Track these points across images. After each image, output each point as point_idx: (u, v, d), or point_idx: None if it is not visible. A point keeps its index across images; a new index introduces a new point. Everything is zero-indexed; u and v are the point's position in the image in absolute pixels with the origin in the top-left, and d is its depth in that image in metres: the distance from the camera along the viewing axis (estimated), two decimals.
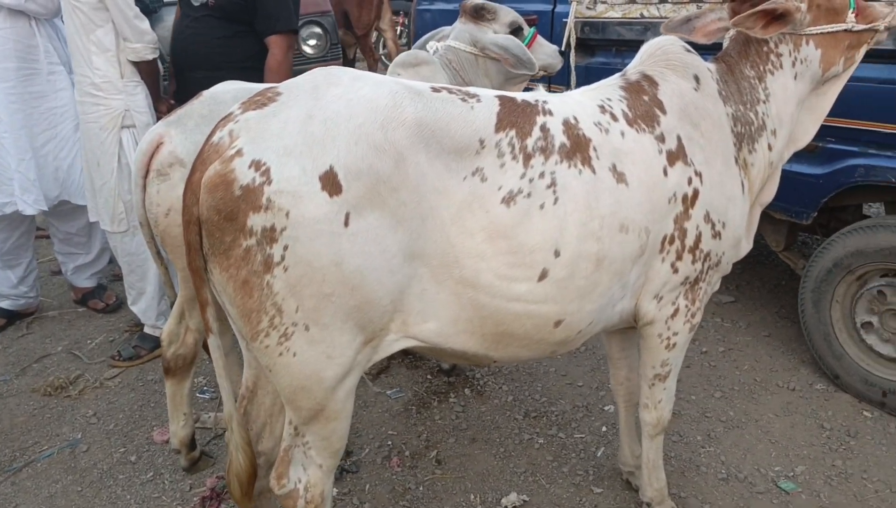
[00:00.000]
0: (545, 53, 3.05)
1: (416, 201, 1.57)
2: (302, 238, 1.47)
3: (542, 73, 3.10)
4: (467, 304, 1.68)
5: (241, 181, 1.45)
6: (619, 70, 2.11)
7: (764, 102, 2.04)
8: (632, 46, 3.35)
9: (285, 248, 1.47)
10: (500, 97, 1.77)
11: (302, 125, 1.50)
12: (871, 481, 2.51)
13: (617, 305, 1.91)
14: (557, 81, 3.71)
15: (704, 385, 3.11)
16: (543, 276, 1.71)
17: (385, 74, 2.78)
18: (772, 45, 2.02)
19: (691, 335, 2.09)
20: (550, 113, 1.78)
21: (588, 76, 3.57)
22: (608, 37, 3.46)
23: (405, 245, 1.57)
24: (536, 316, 1.75)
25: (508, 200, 1.66)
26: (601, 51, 3.58)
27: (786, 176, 2.59)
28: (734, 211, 1.99)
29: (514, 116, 1.73)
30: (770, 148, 2.07)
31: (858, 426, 2.79)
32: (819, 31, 2.01)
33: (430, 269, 1.63)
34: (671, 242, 1.90)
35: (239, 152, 1.47)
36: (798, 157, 2.84)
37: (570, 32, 3.52)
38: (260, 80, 2.98)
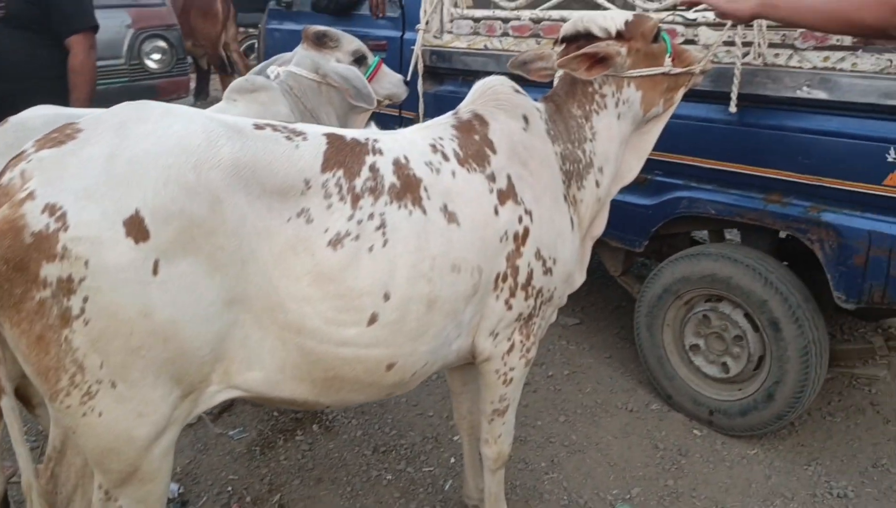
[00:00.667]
0: (390, 83, 3.04)
1: (236, 245, 1.49)
2: (104, 289, 1.36)
3: (386, 102, 3.08)
4: (294, 350, 1.62)
5: (33, 228, 1.32)
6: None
7: (590, 141, 2.11)
8: (478, 76, 3.40)
9: (85, 299, 1.36)
10: (329, 135, 1.72)
11: (104, 165, 1.39)
12: (700, 499, 2.64)
13: (453, 344, 1.90)
14: (409, 107, 3.71)
15: (550, 410, 3.18)
16: (373, 320, 1.67)
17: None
18: (596, 86, 2.10)
19: (527, 369, 2.11)
20: (381, 152, 1.76)
21: (437, 104, 3.59)
22: (454, 66, 3.49)
23: (224, 291, 1.49)
24: (367, 360, 1.71)
25: (335, 242, 1.61)
26: (449, 79, 3.61)
27: (619, 206, 2.71)
28: (564, 247, 2.05)
29: (342, 156, 1.69)
30: (598, 184, 2.14)
31: (689, 444, 2.95)
32: (639, 74, 2.11)
33: (253, 314, 1.56)
34: (504, 279, 1.91)
35: (31, 195, 1.34)
36: (630, 188, 3.00)
37: (418, 60, 3.53)
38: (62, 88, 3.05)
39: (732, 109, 2.58)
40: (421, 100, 3.57)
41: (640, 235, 3.05)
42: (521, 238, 1.91)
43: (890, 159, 2.30)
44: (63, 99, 2.99)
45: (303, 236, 1.58)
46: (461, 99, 2.16)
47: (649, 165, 2.84)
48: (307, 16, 4.39)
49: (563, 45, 2.15)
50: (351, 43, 2.86)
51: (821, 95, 2.38)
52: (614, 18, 2.09)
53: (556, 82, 2.21)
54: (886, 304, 2.46)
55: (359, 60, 2.89)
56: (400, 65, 3.80)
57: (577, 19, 2.13)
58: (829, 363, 2.80)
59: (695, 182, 2.85)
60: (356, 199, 1.66)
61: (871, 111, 2.32)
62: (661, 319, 3.11)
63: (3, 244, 1.33)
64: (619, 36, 2.06)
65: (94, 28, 3.20)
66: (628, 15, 2.14)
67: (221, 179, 1.47)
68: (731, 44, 2.54)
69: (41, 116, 2.31)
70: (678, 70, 2.17)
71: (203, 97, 9.01)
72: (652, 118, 2.23)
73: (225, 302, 1.50)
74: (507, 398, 2.11)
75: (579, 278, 2.23)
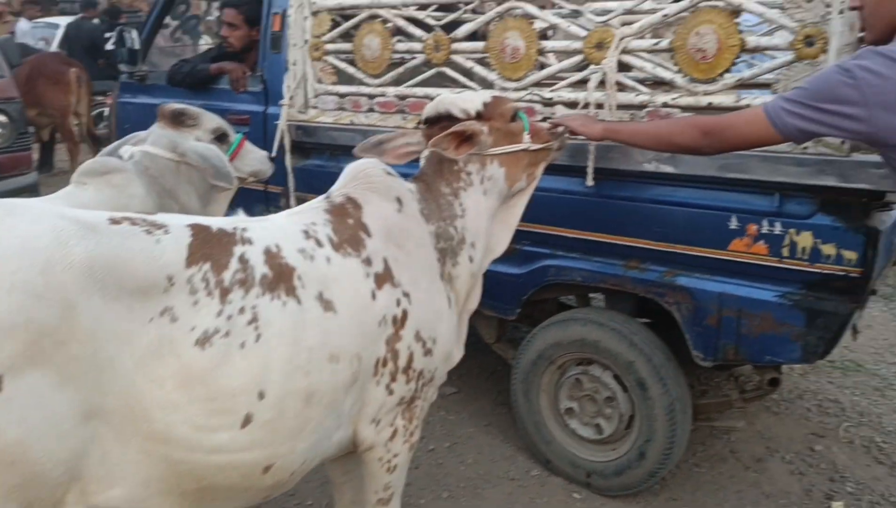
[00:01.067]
0: (255, 159, 2.98)
1: (91, 353, 1.40)
2: None
3: (251, 179, 3.00)
4: (160, 461, 1.52)
5: None
6: (336, 172, 2.13)
7: (461, 217, 2.15)
8: (346, 150, 3.40)
9: None
10: (193, 226, 1.66)
11: None
12: None
13: (333, 436, 1.84)
14: (275, 182, 3.63)
15: (432, 487, 3.12)
16: (247, 421, 1.59)
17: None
18: (461, 164, 2.15)
19: (411, 453, 2.07)
20: (250, 242, 1.70)
21: (304, 178, 3.54)
22: (321, 140, 3.47)
23: (79, 404, 1.40)
24: (242, 465, 1.62)
25: (203, 341, 1.53)
26: (315, 153, 3.58)
27: (491, 276, 2.75)
28: (442, 326, 2.04)
29: (209, 248, 1.62)
30: (471, 260, 2.17)
31: None
32: (501, 152, 2.19)
33: (113, 427, 1.46)
34: (384, 364, 1.88)
35: None
36: (500, 258, 3.07)
37: (284, 135, 3.48)
38: None
39: (589, 182, 2.71)
40: (290, 174, 3.50)
41: (512, 303, 3.11)
42: (400, 321, 1.90)
43: (732, 227, 2.49)
44: None
45: (167, 337, 1.50)
46: (328, 172, 2.16)
47: (518, 236, 2.92)
48: (162, 89, 4.22)
49: (426, 127, 2.19)
50: (211, 121, 2.78)
51: (668, 168, 2.56)
52: (473, 99, 2.17)
53: (422, 163, 2.24)
54: (739, 361, 2.63)
55: (220, 138, 2.81)
56: (264, 139, 3.72)
57: (438, 101, 2.19)
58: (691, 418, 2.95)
59: (561, 251, 2.95)
60: (225, 293, 1.59)
61: (713, 183, 2.52)
62: (537, 384, 3.16)
63: None
64: (479, 116, 2.14)
65: None
66: (486, 95, 2.24)
67: (74, 282, 1.38)
68: None
69: None
70: (537, 146, 2.27)
71: (47, 169, 8.45)
72: (517, 192, 2.30)
73: (80, 416, 1.40)
74: (391, 486, 2.07)
75: (458, 354, 2.24)
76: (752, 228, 2.46)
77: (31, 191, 5.17)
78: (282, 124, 3.47)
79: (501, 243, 2.34)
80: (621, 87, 2.62)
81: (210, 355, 1.53)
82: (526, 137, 2.24)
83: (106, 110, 9.49)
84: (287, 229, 1.82)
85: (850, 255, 2.31)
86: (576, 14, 2.78)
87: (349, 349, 1.76)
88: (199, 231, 1.64)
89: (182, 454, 1.53)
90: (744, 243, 2.48)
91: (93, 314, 1.40)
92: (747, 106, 2.32)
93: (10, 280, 1.32)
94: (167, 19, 4.72)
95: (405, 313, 1.90)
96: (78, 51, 9.64)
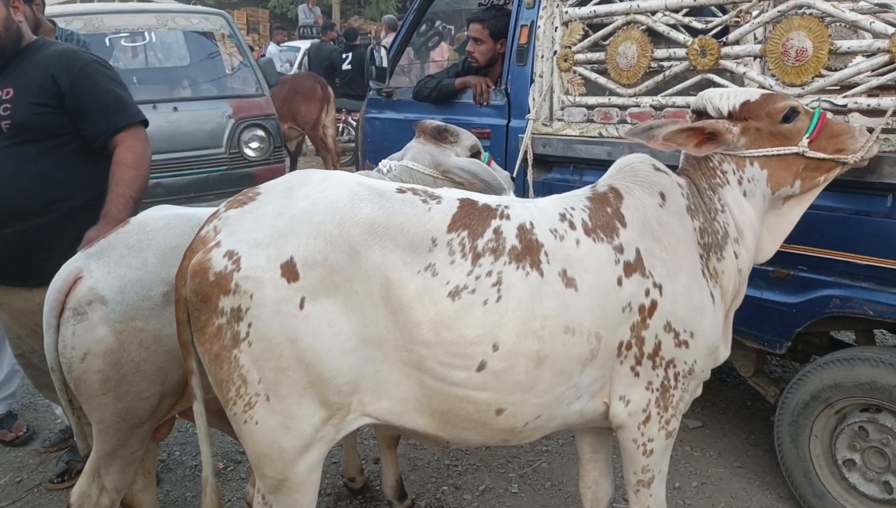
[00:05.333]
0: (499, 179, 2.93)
1: (368, 291, 1.71)
2: (263, 317, 1.66)
3: None
4: (415, 384, 1.79)
5: (216, 268, 1.67)
6: (578, 186, 2.18)
7: (722, 212, 2.10)
8: (591, 164, 3.27)
9: (249, 325, 1.66)
10: (462, 200, 1.88)
11: (272, 221, 1.70)
12: None
13: (573, 404, 1.95)
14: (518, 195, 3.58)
15: None
16: (482, 367, 1.79)
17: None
18: (715, 162, 2.11)
19: (670, 441, 2.10)
20: (507, 217, 1.88)
21: (545, 192, 3.44)
22: (565, 154, 3.35)
23: (359, 330, 1.72)
24: (476, 402, 1.83)
25: (454, 294, 1.76)
26: (557, 167, 3.47)
27: (758, 304, 2.47)
28: (704, 321, 2.02)
29: (469, 219, 1.84)
30: (737, 255, 2.11)
31: None
32: (762, 154, 2.07)
33: (382, 352, 1.76)
34: (628, 348, 1.94)
35: (218, 244, 1.69)
36: (770, 285, 2.76)
37: (527, 149, 3.41)
38: (98, 214, 2.42)
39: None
40: (531, 189, 3.43)
41: (781, 335, 2.78)
42: (648, 310, 1.93)
43: None
44: None
45: (428, 288, 1.75)
46: (570, 186, 2.17)
47: (793, 260, 2.61)
48: (407, 105, 4.37)
49: (695, 118, 2.20)
50: (469, 138, 2.79)
51: None
52: (728, 97, 2.10)
53: (682, 157, 2.22)
54: None
55: (475, 155, 2.81)
56: (505, 153, 3.71)
57: (701, 95, 2.19)
58: None
59: (847, 279, 2.57)
60: (476, 257, 1.80)
61: None
62: (808, 429, 2.78)
63: (196, 281, 1.68)
64: (731, 115, 2.07)
65: (145, 122, 2.64)
66: (751, 94, 2.10)
67: (359, 235, 1.71)
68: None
69: (163, 216, 2.27)
70: (816, 155, 2.07)
71: None
72: (787, 198, 2.16)
73: (360, 340, 1.72)
74: (650, 469, 2.10)
75: (724, 352, 2.20)
76: None
77: None
78: (526, 138, 3.40)
79: (766, 251, 2.23)
80: None
81: (458, 306, 1.75)
82: (804, 140, 2.06)
83: (341, 126, 10.24)
84: (546, 211, 1.96)
85: None
86: (883, 7, 2.40)
87: (587, 326, 1.86)
88: (466, 204, 1.86)
89: (430, 380, 1.78)
90: None
91: (371, 261, 1.71)
92: None
93: (316, 229, 1.69)
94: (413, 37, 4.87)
95: (654, 304, 1.93)
96: (318, 71, 10.48)
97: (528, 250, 1.84)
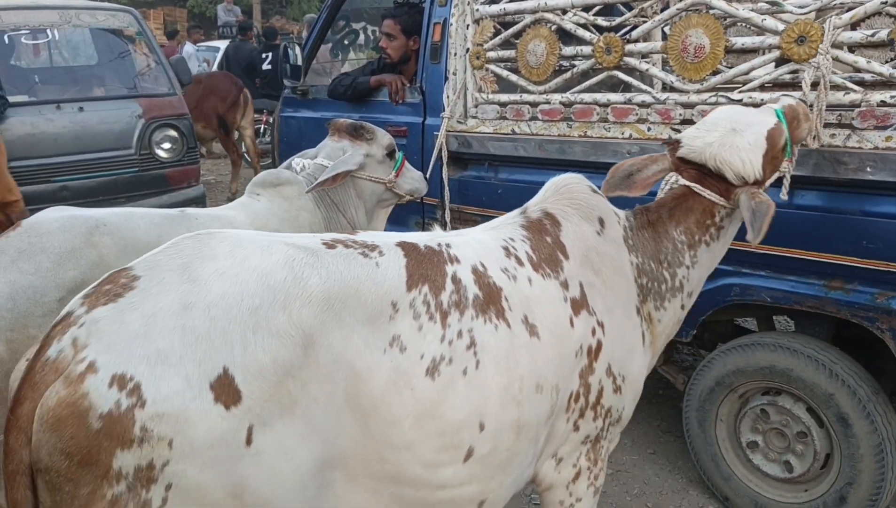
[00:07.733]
0: (413, 179, 2.99)
1: (329, 394, 1.29)
2: (190, 472, 1.16)
3: (407, 198, 2.97)
4: (387, 500, 1.44)
5: (100, 408, 1.11)
6: (494, 183, 1.95)
7: (688, 268, 1.92)
8: (505, 161, 3.29)
9: (168, 488, 1.16)
10: (402, 245, 1.55)
11: (177, 319, 1.19)
12: None
13: (525, 471, 1.71)
14: (432, 194, 3.58)
15: None
16: (469, 455, 1.49)
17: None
18: (717, 219, 1.90)
19: (596, 499, 1.88)
20: (458, 260, 1.60)
21: (460, 190, 3.47)
22: (480, 151, 3.38)
23: (319, 453, 1.29)
24: (460, 500, 1.54)
25: (432, 370, 1.42)
26: (473, 165, 3.49)
27: None
28: (634, 364, 1.85)
29: (424, 268, 1.52)
30: (683, 308, 1.97)
31: None
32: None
33: (346, 472, 1.37)
34: (576, 399, 1.72)
35: (91, 367, 1.13)
36: None
37: (442, 147, 3.42)
38: None
39: (784, 195, 2.43)
40: (446, 187, 3.44)
41: (688, 324, 2.85)
42: (594, 352, 1.73)
43: None
44: None
45: (401, 369, 1.39)
46: (485, 184, 1.99)
47: None
48: (323, 103, 4.32)
49: (678, 162, 1.90)
50: (384, 137, 2.79)
51: (884, 176, 2.24)
52: (752, 161, 1.80)
53: (662, 193, 1.96)
54: None
55: (390, 155, 2.79)
56: (422, 151, 3.70)
57: (712, 154, 1.82)
58: None
59: (747, 268, 2.68)
60: (445, 316, 1.48)
61: None
62: (714, 414, 2.89)
63: (65, 435, 1.11)
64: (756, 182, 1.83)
65: None
66: (761, 142, 1.84)
67: (314, 317, 1.29)
68: None
69: (57, 218, 2.16)
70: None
71: None
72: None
73: (319, 465, 1.30)
74: None
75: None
76: None
77: (199, 202, 5.47)
78: (441, 135, 3.41)
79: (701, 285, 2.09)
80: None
81: (439, 385, 1.42)
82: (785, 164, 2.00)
83: (262, 127, 10.03)
84: (488, 246, 1.70)
85: None
86: (774, 6, 2.51)
87: (550, 380, 1.62)
88: (409, 250, 1.53)
89: (409, 492, 1.45)
90: None
91: (331, 352, 1.30)
92: None
93: (253, 319, 1.23)
94: (327, 35, 4.81)
95: (599, 344, 1.73)
96: (236, 71, 10.23)
97: (490, 298, 1.56)
